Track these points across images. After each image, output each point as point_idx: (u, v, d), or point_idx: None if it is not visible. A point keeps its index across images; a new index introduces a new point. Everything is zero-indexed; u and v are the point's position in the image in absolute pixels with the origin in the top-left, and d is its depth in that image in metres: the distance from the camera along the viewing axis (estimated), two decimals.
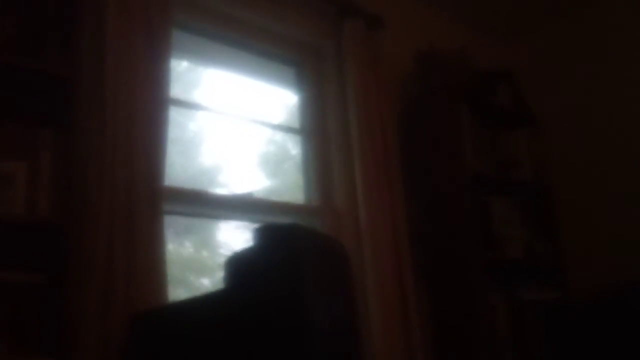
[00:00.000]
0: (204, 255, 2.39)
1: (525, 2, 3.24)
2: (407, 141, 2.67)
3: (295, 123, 2.62)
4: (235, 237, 2.38)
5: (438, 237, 2.56)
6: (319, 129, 2.54)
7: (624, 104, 3.10)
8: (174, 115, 2.03)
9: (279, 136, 2.66)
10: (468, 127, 2.62)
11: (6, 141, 1.54)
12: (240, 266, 1.41)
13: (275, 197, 2.49)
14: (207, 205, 2.14)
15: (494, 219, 2.65)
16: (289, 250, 1.38)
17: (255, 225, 1.53)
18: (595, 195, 3.13)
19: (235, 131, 2.42)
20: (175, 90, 2.01)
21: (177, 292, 1.97)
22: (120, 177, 1.64)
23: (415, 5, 3.08)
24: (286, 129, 2.65)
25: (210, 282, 2.27)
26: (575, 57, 3.33)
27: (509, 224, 2.74)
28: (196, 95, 2.40)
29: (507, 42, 3.49)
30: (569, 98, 3.32)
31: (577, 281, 2.91)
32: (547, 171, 3.05)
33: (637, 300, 2.60)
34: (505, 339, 2.51)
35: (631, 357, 2.49)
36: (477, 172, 2.59)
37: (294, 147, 2.63)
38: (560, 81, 3.37)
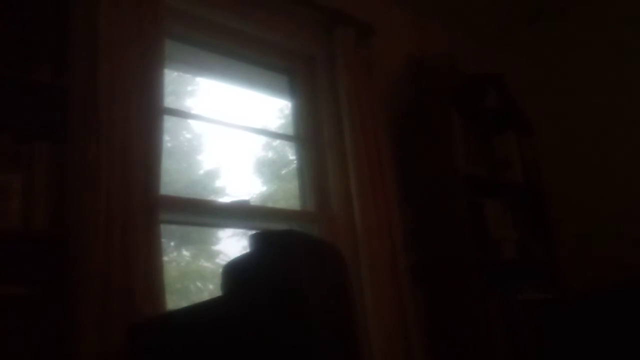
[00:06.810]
0: (201, 264, 2.39)
1: (513, 5, 3.27)
2: (400, 146, 2.69)
3: (292, 130, 2.63)
4: (232, 244, 2.38)
5: (433, 240, 2.57)
6: (313, 136, 2.55)
7: (615, 105, 3.12)
8: (169, 125, 2.04)
9: (278, 142, 2.66)
10: (459, 130, 2.65)
11: (1, 153, 1.54)
12: (237, 272, 1.41)
13: (272, 204, 2.49)
14: (203, 214, 2.14)
15: (487, 221, 2.66)
16: (285, 255, 1.38)
17: (252, 232, 1.54)
18: (586, 194, 3.15)
19: (230, 139, 2.43)
20: (169, 99, 2.02)
21: (175, 301, 1.98)
22: (116, 187, 1.65)
23: (404, 12, 3.11)
24: (281, 136, 2.67)
25: (208, 289, 2.27)
26: (565, 58, 3.35)
27: (503, 225, 2.75)
28: (190, 105, 2.41)
29: (497, 45, 3.53)
30: (559, 99, 3.35)
31: (571, 280, 2.92)
32: (538, 172, 3.06)
33: (631, 298, 2.62)
34: (502, 339, 2.51)
35: (625, 355, 2.51)
36: (470, 174, 2.61)
37: (292, 153, 2.65)
38: (551, 83, 3.40)
